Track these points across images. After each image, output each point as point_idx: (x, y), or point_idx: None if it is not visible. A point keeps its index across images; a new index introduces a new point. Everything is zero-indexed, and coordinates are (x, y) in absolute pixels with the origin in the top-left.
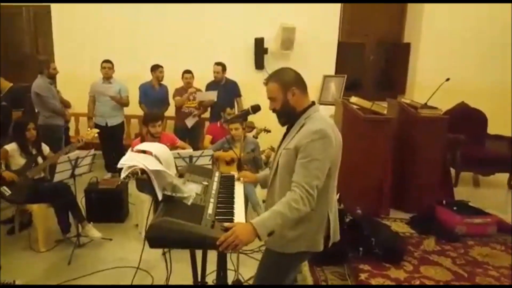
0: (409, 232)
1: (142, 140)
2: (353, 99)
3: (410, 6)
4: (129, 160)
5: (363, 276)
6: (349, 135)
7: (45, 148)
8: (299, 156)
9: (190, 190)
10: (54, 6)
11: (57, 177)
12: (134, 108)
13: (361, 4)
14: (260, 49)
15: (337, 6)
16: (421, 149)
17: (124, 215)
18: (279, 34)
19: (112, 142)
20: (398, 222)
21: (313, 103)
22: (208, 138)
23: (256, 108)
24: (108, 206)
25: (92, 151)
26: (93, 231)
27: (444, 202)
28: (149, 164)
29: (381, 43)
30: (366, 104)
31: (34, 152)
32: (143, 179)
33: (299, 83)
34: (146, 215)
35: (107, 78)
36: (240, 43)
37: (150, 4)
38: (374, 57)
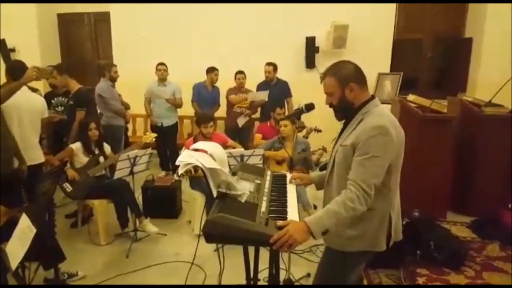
0: (470, 237)
1: (195, 140)
2: (411, 97)
3: None
4: (186, 158)
5: (420, 280)
6: (406, 135)
7: (107, 148)
8: (357, 153)
9: (244, 187)
10: (113, 12)
11: (117, 175)
12: (187, 109)
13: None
14: (311, 48)
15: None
16: (485, 149)
17: (178, 211)
18: (330, 32)
19: (166, 141)
20: (458, 226)
21: (372, 97)
22: (258, 137)
23: (310, 107)
24: (163, 203)
25: (149, 150)
26: (150, 226)
27: (510, 206)
28: (205, 162)
29: (439, 39)
30: (425, 102)
31: (96, 151)
32: (196, 177)
33: (358, 77)
34: (199, 212)
35: (162, 80)
36: (291, 42)
37: (202, 7)
38: (432, 54)
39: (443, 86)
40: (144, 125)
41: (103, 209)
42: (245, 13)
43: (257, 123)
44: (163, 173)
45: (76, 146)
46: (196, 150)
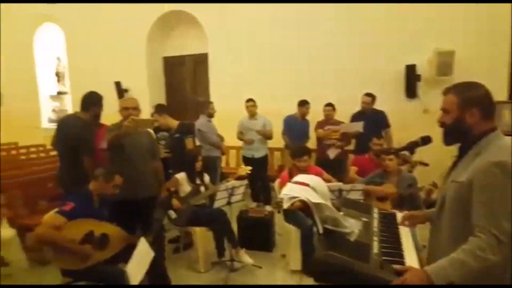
0: None
1: (290, 173)
2: None
3: None
4: (291, 191)
5: None
6: None
7: (206, 178)
8: (477, 192)
9: (352, 225)
10: (210, 54)
11: (216, 204)
12: (277, 141)
13: None
14: (412, 76)
15: (507, 22)
16: None
17: (272, 244)
18: (433, 59)
19: (257, 173)
20: None
21: (494, 128)
22: (353, 169)
23: (427, 140)
24: (257, 234)
25: (245, 182)
26: (246, 257)
27: None
28: (310, 196)
29: None
30: None
31: (198, 181)
32: (291, 210)
33: (486, 105)
34: (294, 246)
35: (252, 115)
36: (388, 70)
37: (290, 40)
38: None
39: None
40: (236, 156)
41: (203, 237)
42: (339, 41)
43: (351, 156)
44: (254, 204)
45: (181, 176)
46: (297, 183)
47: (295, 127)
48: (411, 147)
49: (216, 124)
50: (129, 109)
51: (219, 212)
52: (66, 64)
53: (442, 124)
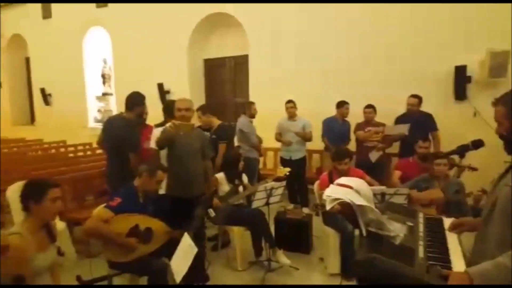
0: None
1: (330, 176)
2: None
3: None
4: (334, 193)
5: None
6: None
7: (245, 178)
8: None
9: (396, 229)
10: (251, 55)
11: (254, 204)
12: (316, 143)
13: None
14: (461, 77)
15: None
16: None
17: (309, 246)
18: (485, 60)
19: (295, 175)
20: None
21: None
22: (397, 173)
23: (478, 144)
24: (295, 236)
25: (284, 183)
26: (283, 257)
27: None
28: (353, 198)
29: None
30: None
31: (236, 181)
32: (330, 213)
33: None
34: (332, 250)
35: (291, 116)
36: (436, 71)
37: (328, 41)
38: None
39: None
40: (274, 158)
41: (240, 236)
42: (379, 42)
43: (394, 159)
44: (291, 205)
45: (220, 176)
46: (340, 185)
47: (335, 129)
48: (461, 151)
49: (254, 125)
50: (182, 110)
51: (257, 212)
52: (112, 66)
53: (500, 136)
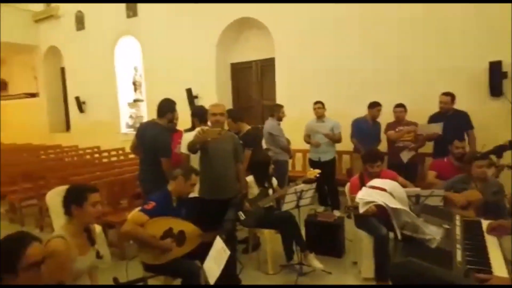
0: None
1: (361, 178)
2: None
3: None
4: (367, 196)
5: None
6: None
7: (274, 181)
8: None
9: (432, 232)
10: (277, 59)
11: (285, 207)
12: (345, 144)
13: None
14: (496, 73)
15: None
16: None
17: (341, 250)
18: None
19: (324, 177)
20: None
21: None
22: (432, 174)
23: None
24: (326, 239)
25: (314, 185)
26: (315, 261)
27: None
28: (388, 201)
29: None
30: None
31: (266, 184)
32: (363, 216)
33: None
34: (366, 253)
35: (320, 117)
36: (470, 68)
37: (355, 41)
38: None
39: None
40: (302, 160)
41: (271, 239)
42: (408, 40)
43: (428, 159)
44: (322, 208)
45: (250, 179)
46: (373, 187)
47: (366, 130)
48: (499, 150)
49: (282, 126)
50: (217, 114)
51: (287, 215)
52: (142, 73)
53: None
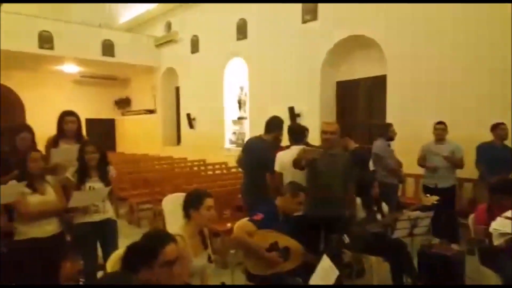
0: None
1: (489, 209)
2: None
3: None
4: (503, 227)
5: None
6: None
7: (384, 206)
8: None
9: None
10: (389, 76)
11: (396, 234)
12: (468, 170)
13: None
14: None
15: None
16: None
17: None
18: None
19: (442, 205)
20: None
21: None
22: None
23: None
24: (442, 275)
25: (431, 213)
26: None
27: None
28: None
29: None
30: None
31: (375, 208)
32: (491, 252)
33: None
34: None
35: (440, 139)
36: None
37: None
38: None
39: None
40: (414, 185)
41: (378, 267)
42: None
43: None
44: (437, 240)
45: (357, 201)
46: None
47: (494, 154)
48: None
49: (393, 148)
50: (328, 133)
51: (398, 243)
52: (247, 92)
53: None
